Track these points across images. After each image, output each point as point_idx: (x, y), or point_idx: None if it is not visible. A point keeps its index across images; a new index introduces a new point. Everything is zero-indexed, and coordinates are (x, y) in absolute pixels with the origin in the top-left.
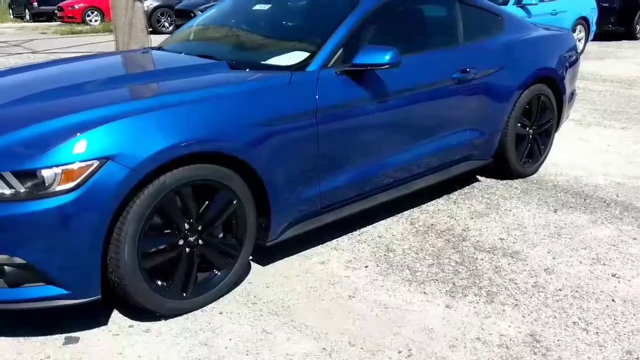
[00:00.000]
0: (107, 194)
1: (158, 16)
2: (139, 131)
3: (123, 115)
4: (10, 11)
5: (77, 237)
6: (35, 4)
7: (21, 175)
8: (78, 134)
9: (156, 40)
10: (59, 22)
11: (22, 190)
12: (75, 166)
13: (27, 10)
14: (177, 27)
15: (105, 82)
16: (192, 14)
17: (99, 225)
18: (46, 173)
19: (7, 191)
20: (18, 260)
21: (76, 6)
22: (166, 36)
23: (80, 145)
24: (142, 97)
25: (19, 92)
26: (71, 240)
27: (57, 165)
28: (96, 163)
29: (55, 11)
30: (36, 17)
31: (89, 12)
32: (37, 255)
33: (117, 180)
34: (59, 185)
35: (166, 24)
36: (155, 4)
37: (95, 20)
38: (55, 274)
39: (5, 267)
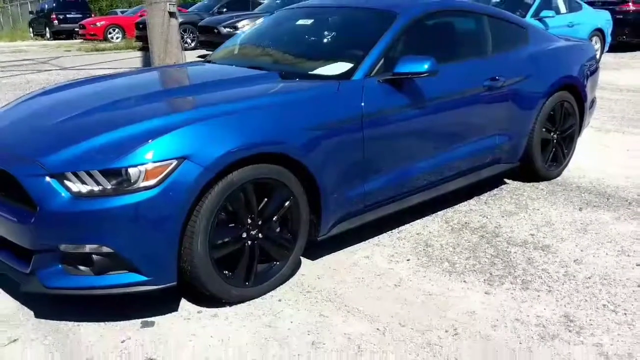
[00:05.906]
0: (184, 190)
1: (181, 32)
2: (211, 134)
3: (197, 120)
4: (31, 29)
5: (158, 228)
6: (56, 22)
7: (108, 174)
8: (158, 137)
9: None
10: (80, 40)
11: (109, 187)
12: (157, 165)
13: (47, 28)
14: (200, 43)
15: (176, 91)
16: (216, 30)
17: (176, 218)
18: (132, 171)
19: (96, 188)
20: (106, 249)
21: (98, 24)
22: (189, 52)
23: (160, 146)
24: (212, 104)
25: (96, 101)
26: (152, 232)
27: (142, 164)
28: (174, 162)
29: (77, 29)
30: (56, 35)
31: (111, 30)
32: (123, 245)
33: (192, 177)
34: (142, 182)
35: (188, 40)
36: (179, 20)
37: (117, 38)
38: (138, 262)
39: (94, 255)
